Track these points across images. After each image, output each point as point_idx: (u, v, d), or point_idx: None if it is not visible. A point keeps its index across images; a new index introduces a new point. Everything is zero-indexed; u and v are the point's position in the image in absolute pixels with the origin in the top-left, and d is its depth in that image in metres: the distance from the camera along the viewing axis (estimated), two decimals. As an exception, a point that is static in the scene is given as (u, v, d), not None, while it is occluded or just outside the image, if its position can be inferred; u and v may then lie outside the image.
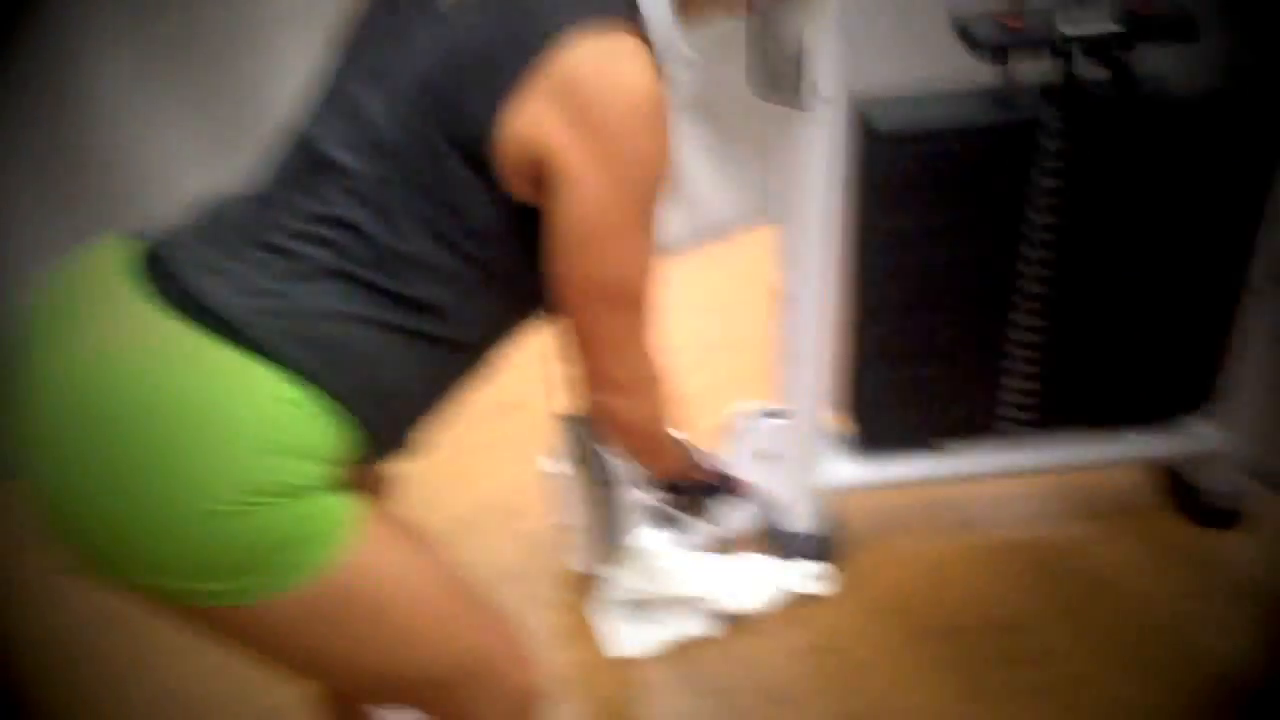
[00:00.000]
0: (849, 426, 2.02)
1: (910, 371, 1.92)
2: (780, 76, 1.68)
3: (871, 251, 1.84)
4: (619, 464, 1.87)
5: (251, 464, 0.98)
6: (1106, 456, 2.04)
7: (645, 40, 1.07)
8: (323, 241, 1.05)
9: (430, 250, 1.07)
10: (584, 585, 2.00)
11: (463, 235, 1.07)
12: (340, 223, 1.06)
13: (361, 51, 1.14)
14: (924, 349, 1.91)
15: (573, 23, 1.02)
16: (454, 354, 1.15)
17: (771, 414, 2.03)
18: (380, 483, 1.35)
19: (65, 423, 1.01)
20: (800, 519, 2.02)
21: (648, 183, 1.07)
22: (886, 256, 1.83)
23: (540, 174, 1.05)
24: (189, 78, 2.30)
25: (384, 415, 1.09)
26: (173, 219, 1.14)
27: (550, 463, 1.98)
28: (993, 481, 2.13)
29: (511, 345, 1.22)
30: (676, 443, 1.36)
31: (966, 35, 1.72)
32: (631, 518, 1.88)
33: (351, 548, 1.03)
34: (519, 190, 1.07)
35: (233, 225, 1.09)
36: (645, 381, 1.21)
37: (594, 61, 1.02)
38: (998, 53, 1.72)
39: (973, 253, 1.83)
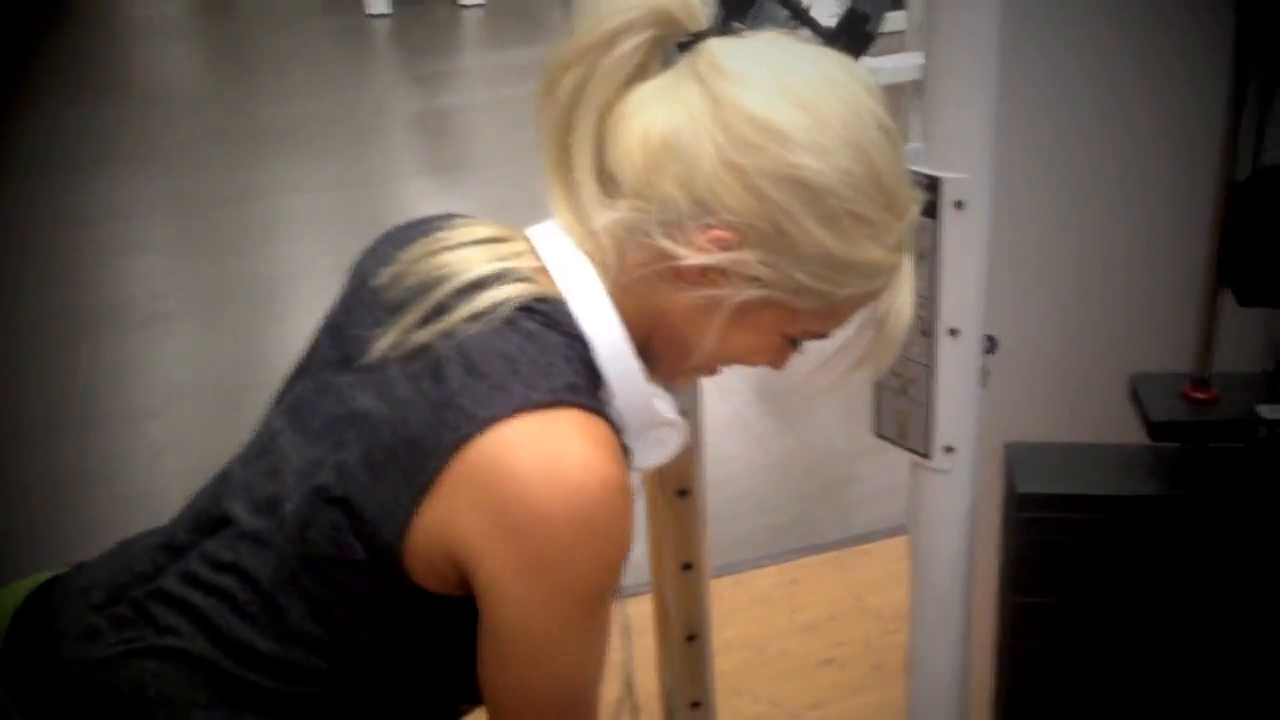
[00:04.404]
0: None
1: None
2: (907, 420, 1.47)
3: (1015, 628, 1.54)
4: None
5: None
6: None
7: (603, 414, 0.90)
8: (184, 609, 0.95)
9: (311, 635, 0.92)
10: None
11: (353, 622, 0.92)
12: (213, 589, 0.94)
13: (298, 401, 1.02)
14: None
15: (508, 407, 0.86)
16: None
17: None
18: None
19: None
20: None
21: (591, 587, 0.89)
22: (1029, 638, 1.53)
23: (461, 574, 0.89)
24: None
25: None
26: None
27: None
28: None
29: None
30: None
31: (1140, 405, 1.46)
32: None
33: None
34: (433, 584, 0.91)
35: (127, 568, 1.01)
36: None
37: (523, 450, 0.85)
38: (1175, 434, 1.45)
39: (1136, 648, 1.50)
